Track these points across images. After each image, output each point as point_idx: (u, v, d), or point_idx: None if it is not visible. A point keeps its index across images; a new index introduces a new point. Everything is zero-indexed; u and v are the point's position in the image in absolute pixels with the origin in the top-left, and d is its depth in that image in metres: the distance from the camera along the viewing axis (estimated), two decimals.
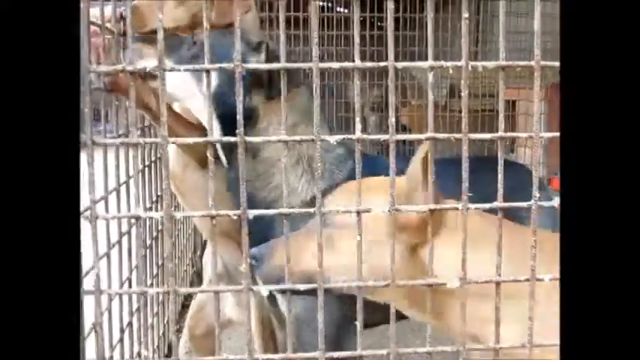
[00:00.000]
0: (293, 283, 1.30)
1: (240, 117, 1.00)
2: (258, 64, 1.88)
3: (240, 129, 1.00)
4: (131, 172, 1.72)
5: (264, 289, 1.07)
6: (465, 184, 1.07)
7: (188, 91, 1.98)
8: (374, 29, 5.11)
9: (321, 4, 5.35)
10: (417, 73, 6.05)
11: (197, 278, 4.13)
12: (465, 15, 1.04)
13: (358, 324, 1.08)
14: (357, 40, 1.04)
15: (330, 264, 1.39)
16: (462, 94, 1.05)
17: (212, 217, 1.05)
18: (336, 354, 1.04)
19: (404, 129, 6.08)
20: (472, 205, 1.07)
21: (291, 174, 2.01)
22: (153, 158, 2.31)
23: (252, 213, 1.05)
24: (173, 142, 1.03)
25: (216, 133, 1.82)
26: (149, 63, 1.04)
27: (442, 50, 5.41)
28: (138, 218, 1.05)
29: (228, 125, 1.87)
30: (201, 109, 2.03)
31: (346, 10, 5.41)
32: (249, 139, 1.03)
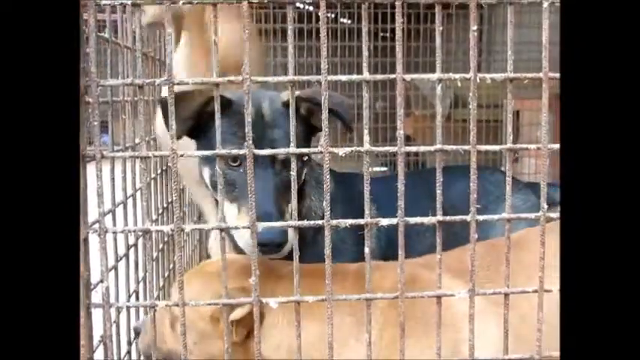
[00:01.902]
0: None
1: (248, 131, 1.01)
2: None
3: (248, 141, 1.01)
4: (137, 184, 1.72)
5: (273, 302, 1.07)
6: (474, 196, 1.07)
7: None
8: (378, 40, 5.13)
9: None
10: (421, 84, 6.06)
11: None
12: (474, 27, 1.04)
13: None
14: (365, 52, 1.05)
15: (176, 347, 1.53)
16: (471, 106, 1.05)
17: (221, 230, 1.05)
18: None
19: (408, 139, 6.09)
20: (480, 217, 1.07)
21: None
22: (159, 170, 2.31)
23: (262, 225, 1.05)
24: (181, 156, 1.03)
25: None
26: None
27: (446, 60, 5.42)
28: (147, 232, 1.05)
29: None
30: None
31: (349, 22, 5.42)
32: (256, 151, 1.03)
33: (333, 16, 5.50)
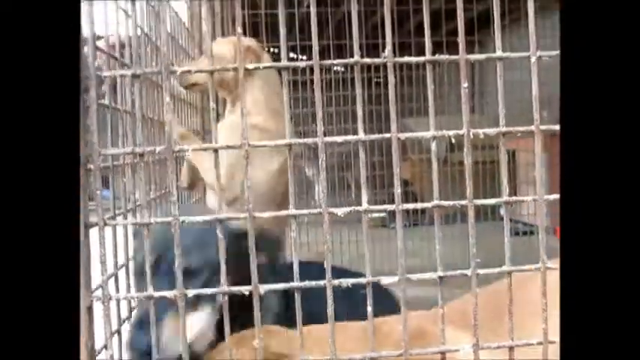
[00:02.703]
0: None
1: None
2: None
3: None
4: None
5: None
6: (473, 250, 1.08)
7: None
8: (372, 88, 5.19)
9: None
10: (417, 128, 6.10)
11: None
12: (464, 84, 1.07)
13: None
14: (359, 112, 1.07)
15: None
16: (466, 161, 1.07)
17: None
18: None
19: (405, 184, 6.11)
20: (481, 271, 1.09)
21: None
22: None
23: (260, 215, 1.05)
24: (183, 221, 1.05)
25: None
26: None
27: (439, 104, 5.48)
28: (151, 298, 1.06)
29: None
30: None
31: (342, 69, 5.49)
32: (252, 142, 1.03)
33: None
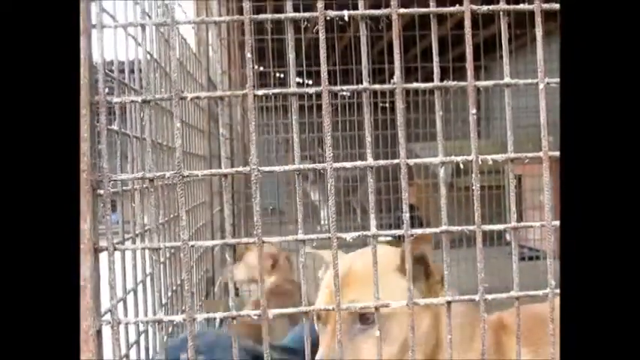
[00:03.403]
0: None
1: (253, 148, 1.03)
2: None
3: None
4: (147, 270, 1.73)
5: None
6: (481, 275, 1.08)
7: None
8: (378, 113, 5.21)
9: None
10: (422, 154, 6.11)
11: None
12: (473, 111, 1.08)
13: None
14: (368, 138, 1.08)
15: None
16: (474, 187, 1.07)
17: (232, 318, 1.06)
18: None
19: (412, 208, 6.11)
20: (489, 296, 1.09)
21: None
22: (168, 255, 2.32)
23: (268, 240, 1.06)
24: (192, 246, 1.05)
25: None
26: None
27: (445, 130, 5.49)
28: (160, 322, 1.06)
29: None
30: None
31: (349, 94, 5.51)
32: (262, 168, 1.03)
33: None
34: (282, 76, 6.14)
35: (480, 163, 1.08)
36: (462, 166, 1.10)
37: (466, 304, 1.46)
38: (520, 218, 6.20)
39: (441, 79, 1.10)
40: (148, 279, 1.71)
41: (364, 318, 1.55)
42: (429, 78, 1.13)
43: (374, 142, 4.95)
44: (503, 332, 1.65)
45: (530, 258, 6.02)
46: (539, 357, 1.45)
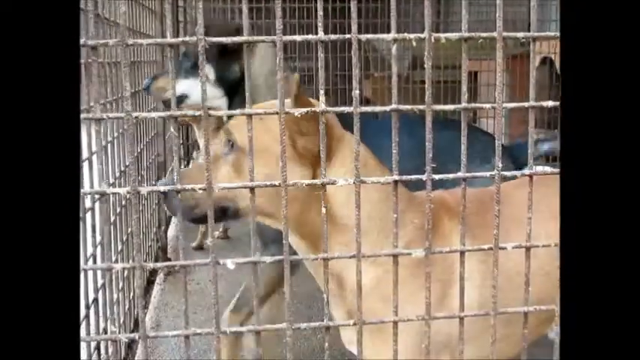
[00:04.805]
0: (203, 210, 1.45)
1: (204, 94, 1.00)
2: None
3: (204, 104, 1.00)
4: (93, 148, 1.70)
5: (230, 263, 1.07)
6: (429, 155, 1.08)
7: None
8: (336, 1, 5.10)
9: None
10: (380, 45, 6.05)
11: (162, 253, 4.12)
12: None
13: (325, 296, 1.09)
14: (320, 12, 1.04)
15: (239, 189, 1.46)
16: (426, 65, 1.05)
17: (177, 192, 1.05)
18: (303, 325, 1.05)
19: (367, 102, 6.10)
20: (436, 176, 1.08)
21: None
22: (116, 134, 2.29)
23: (219, 186, 1.05)
24: (136, 117, 1.02)
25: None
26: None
27: (403, 22, 5.42)
28: (103, 194, 1.04)
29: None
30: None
31: None
32: (213, 112, 1.02)
33: None
34: None
35: (433, 41, 1.05)
36: (414, 43, 1.07)
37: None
38: (475, 113, 6.25)
39: None
40: (94, 156, 1.68)
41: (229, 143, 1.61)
42: None
43: (331, 31, 4.87)
44: (444, 212, 1.66)
45: None
46: (477, 240, 1.46)
